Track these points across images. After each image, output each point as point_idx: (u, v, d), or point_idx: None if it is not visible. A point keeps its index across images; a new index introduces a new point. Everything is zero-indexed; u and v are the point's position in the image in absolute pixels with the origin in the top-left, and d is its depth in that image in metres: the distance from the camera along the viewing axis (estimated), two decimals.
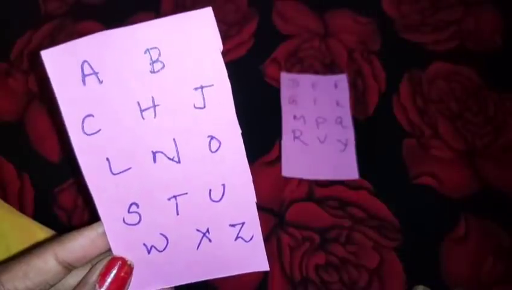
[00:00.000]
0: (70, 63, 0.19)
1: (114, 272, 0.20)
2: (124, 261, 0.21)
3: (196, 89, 0.20)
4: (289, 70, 0.47)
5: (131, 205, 0.21)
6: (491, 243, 0.38)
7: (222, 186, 0.21)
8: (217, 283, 0.36)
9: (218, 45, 0.19)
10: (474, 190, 0.41)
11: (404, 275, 0.37)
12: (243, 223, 0.22)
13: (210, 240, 0.22)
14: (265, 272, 0.37)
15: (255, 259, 0.22)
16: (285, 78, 0.47)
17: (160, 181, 0.21)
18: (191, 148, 0.20)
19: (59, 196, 0.40)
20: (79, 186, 0.41)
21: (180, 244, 0.22)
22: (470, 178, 0.41)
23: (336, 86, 0.46)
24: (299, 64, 0.48)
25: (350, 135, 0.43)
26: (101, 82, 0.19)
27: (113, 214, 0.21)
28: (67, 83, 0.19)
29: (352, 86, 0.46)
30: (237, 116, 0.20)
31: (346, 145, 0.43)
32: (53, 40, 0.49)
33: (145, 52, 0.19)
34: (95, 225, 0.21)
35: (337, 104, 0.45)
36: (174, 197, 0.21)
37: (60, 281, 0.21)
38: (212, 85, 0.20)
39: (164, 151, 0.20)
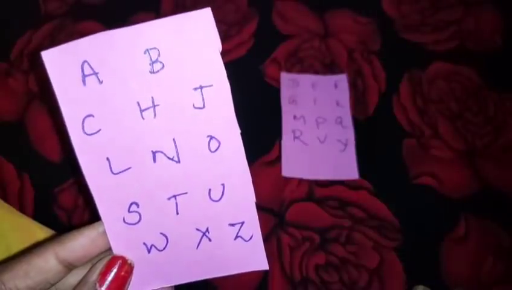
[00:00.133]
0: (70, 63, 0.19)
1: (114, 271, 0.20)
2: (124, 261, 0.21)
3: (195, 89, 0.20)
4: (289, 70, 0.47)
5: (131, 204, 0.21)
6: (491, 243, 0.38)
7: (221, 186, 0.21)
8: (217, 282, 0.36)
9: (217, 45, 0.19)
10: (474, 190, 0.41)
11: (404, 275, 0.37)
12: (243, 223, 0.22)
13: (210, 240, 0.22)
14: (265, 272, 0.37)
15: (255, 258, 0.22)
16: (285, 78, 0.47)
17: (160, 181, 0.21)
18: (190, 148, 0.20)
19: (59, 196, 0.41)
20: (79, 186, 0.41)
21: (180, 244, 0.22)
22: (470, 178, 0.41)
23: (335, 86, 0.46)
24: (299, 64, 0.48)
25: (350, 135, 0.44)
26: (101, 82, 0.19)
27: (113, 214, 0.21)
28: (68, 83, 0.19)
29: (352, 86, 0.46)
30: (237, 116, 0.20)
31: (346, 145, 0.43)
32: (53, 40, 0.49)
33: (144, 53, 0.19)
34: (95, 225, 0.21)
35: (337, 104, 0.45)
36: (174, 196, 0.21)
37: (60, 280, 0.21)
38: (212, 85, 0.20)
39: (164, 151, 0.20)
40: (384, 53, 0.48)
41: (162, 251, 0.22)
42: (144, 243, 0.21)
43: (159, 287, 0.22)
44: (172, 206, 0.21)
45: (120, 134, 0.20)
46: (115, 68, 0.19)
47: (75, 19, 0.51)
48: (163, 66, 0.19)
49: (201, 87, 0.20)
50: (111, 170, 0.20)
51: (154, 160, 0.20)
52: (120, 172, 0.20)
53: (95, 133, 0.20)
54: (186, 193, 0.21)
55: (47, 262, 0.19)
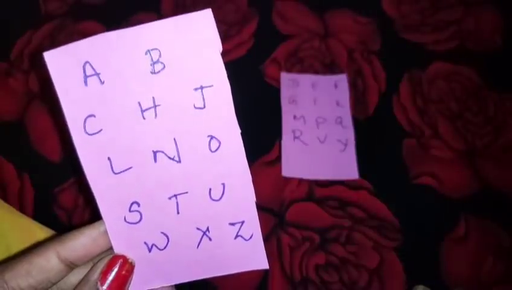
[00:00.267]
0: (72, 64, 0.19)
1: (115, 270, 0.20)
2: (125, 260, 0.21)
3: (196, 89, 0.20)
4: (289, 70, 0.48)
5: (132, 204, 0.21)
6: (491, 243, 0.38)
7: (222, 186, 0.21)
8: (217, 282, 0.36)
9: (217, 45, 0.19)
10: (474, 190, 0.41)
11: (404, 275, 0.37)
12: (243, 222, 0.22)
13: (210, 239, 0.22)
14: (265, 272, 0.37)
15: (255, 257, 0.22)
16: (285, 78, 0.47)
17: (161, 180, 0.21)
18: (191, 148, 0.20)
19: (59, 196, 0.41)
20: (80, 186, 0.41)
21: (181, 243, 0.22)
22: (470, 178, 0.41)
23: (335, 86, 0.47)
24: (299, 64, 0.48)
25: (350, 135, 0.44)
26: (102, 83, 0.19)
27: (114, 213, 0.21)
28: (69, 83, 0.19)
29: (352, 86, 0.46)
30: (237, 116, 0.20)
31: (346, 145, 0.43)
32: (53, 40, 0.49)
33: (145, 53, 0.19)
34: (96, 224, 0.21)
35: (337, 104, 0.45)
36: (175, 196, 0.21)
37: (62, 279, 0.21)
38: (212, 85, 0.20)
39: (165, 151, 0.20)
40: (384, 53, 0.48)
41: (162, 250, 0.22)
42: (145, 243, 0.21)
43: (159, 286, 0.22)
44: (173, 206, 0.21)
45: (121, 134, 0.20)
46: (117, 69, 0.19)
47: (75, 19, 0.51)
48: (164, 66, 0.19)
49: (201, 88, 0.20)
50: (112, 170, 0.20)
51: (155, 160, 0.20)
52: (121, 172, 0.20)
53: (97, 133, 0.20)
54: (186, 193, 0.21)
55: (48, 261, 0.20)
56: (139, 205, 0.21)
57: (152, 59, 0.19)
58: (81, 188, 0.41)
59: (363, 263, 0.37)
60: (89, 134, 0.20)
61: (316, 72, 0.47)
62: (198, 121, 0.20)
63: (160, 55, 0.19)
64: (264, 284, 0.37)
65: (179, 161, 0.21)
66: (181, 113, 0.20)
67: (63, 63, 0.19)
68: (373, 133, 0.44)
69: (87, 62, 0.19)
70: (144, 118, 0.20)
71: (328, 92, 0.46)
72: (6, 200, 0.39)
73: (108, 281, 0.20)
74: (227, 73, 0.20)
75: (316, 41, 0.49)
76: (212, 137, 0.20)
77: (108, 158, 0.20)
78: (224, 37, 0.49)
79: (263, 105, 0.46)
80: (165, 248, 0.22)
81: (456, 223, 0.39)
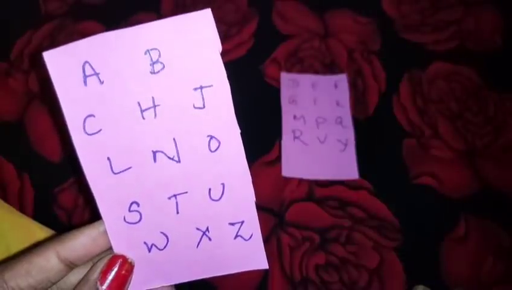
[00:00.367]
0: (71, 64, 0.19)
1: (115, 270, 0.20)
2: (124, 259, 0.21)
3: (196, 89, 0.20)
4: (289, 70, 0.48)
5: (131, 203, 0.21)
6: (491, 243, 0.38)
7: (221, 186, 0.21)
8: (217, 282, 0.36)
9: (217, 45, 0.19)
10: (474, 190, 0.41)
11: (404, 275, 0.37)
12: (242, 222, 0.22)
13: (210, 239, 0.22)
14: (265, 272, 0.37)
15: (255, 257, 0.22)
16: (285, 78, 0.47)
17: (161, 180, 0.21)
18: (190, 148, 0.20)
19: (59, 196, 0.41)
20: (80, 186, 0.41)
21: (180, 243, 0.22)
22: (470, 178, 0.41)
23: (335, 86, 0.47)
24: (299, 64, 0.48)
25: (350, 135, 0.44)
26: (102, 83, 0.19)
27: (114, 213, 0.21)
28: (69, 83, 0.19)
29: (352, 86, 0.46)
30: (237, 116, 0.20)
31: (346, 145, 0.43)
32: (53, 40, 0.49)
33: (145, 53, 0.19)
34: (96, 224, 0.21)
35: (337, 104, 0.45)
36: (174, 196, 0.21)
37: (61, 278, 0.21)
38: (212, 85, 0.20)
39: (164, 151, 0.20)
40: (384, 53, 0.48)
41: (162, 250, 0.22)
42: (145, 242, 0.21)
43: (159, 286, 0.22)
44: (172, 206, 0.21)
45: (121, 134, 0.20)
46: (116, 69, 0.19)
47: (75, 19, 0.51)
48: (164, 66, 0.19)
49: (201, 88, 0.20)
50: (112, 170, 0.20)
51: (155, 160, 0.20)
52: (121, 172, 0.20)
53: (96, 133, 0.20)
54: (186, 193, 0.21)
55: (48, 261, 0.20)
56: (138, 205, 0.21)
57: (151, 59, 0.19)
58: (81, 188, 0.41)
59: (363, 263, 0.37)
60: (88, 134, 0.20)
61: (316, 72, 0.47)
62: (197, 121, 0.20)
63: (159, 55, 0.19)
64: (264, 284, 0.37)
65: (179, 161, 0.21)
66: (181, 113, 0.20)
67: (62, 63, 0.19)
68: (373, 133, 0.44)
69: (86, 62, 0.19)
70: (143, 118, 0.20)
71: (328, 92, 0.46)
72: (6, 200, 0.39)
73: (108, 281, 0.20)
74: (227, 73, 0.20)
75: (316, 41, 0.49)
76: (211, 137, 0.20)
77: (108, 158, 0.20)
78: (224, 37, 0.49)
79: (263, 105, 0.46)
80: (164, 247, 0.22)
81: (456, 223, 0.39)
